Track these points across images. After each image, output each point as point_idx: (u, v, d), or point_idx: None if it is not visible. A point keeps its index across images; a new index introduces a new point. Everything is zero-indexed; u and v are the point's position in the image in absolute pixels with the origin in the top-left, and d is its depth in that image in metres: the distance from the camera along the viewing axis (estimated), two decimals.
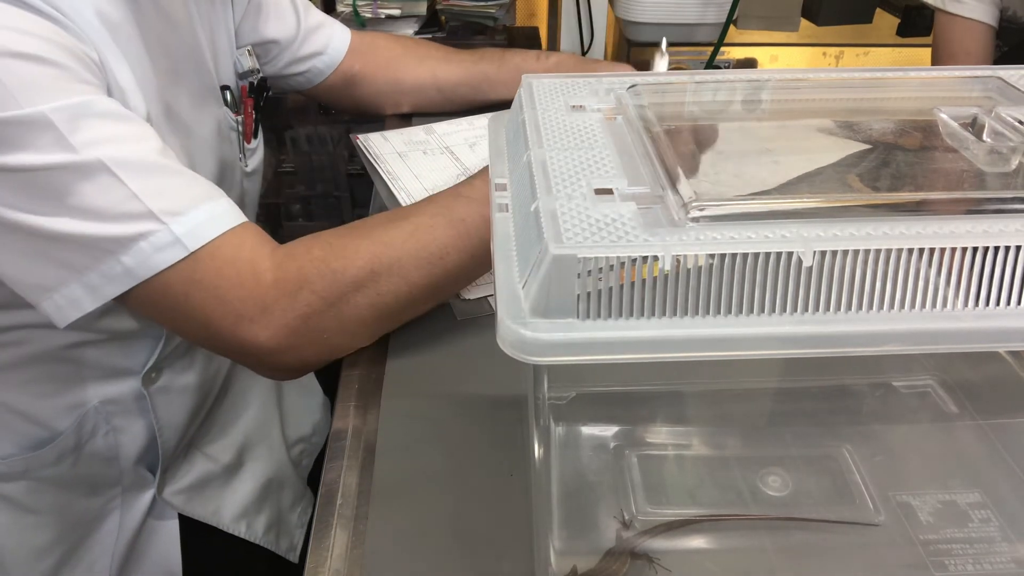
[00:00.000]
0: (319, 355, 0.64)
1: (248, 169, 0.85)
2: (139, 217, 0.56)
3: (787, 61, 1.62)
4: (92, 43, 0.59)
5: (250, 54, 0.85)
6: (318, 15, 0.98)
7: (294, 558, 0.88)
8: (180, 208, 0.58)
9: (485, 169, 0.69)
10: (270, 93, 0.88)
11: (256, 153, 0.86)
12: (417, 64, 1.04)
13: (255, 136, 0.86)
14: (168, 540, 0.79)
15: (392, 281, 0.62)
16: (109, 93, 0.60)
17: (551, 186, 0.39)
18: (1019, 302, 0.35)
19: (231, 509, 0.83)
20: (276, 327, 0.60)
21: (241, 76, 0.84)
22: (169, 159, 0.60)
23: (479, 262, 0.66)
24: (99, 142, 0.55)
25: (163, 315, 0.62)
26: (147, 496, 0.78)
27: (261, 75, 0.86)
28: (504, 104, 1.04)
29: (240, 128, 0.82)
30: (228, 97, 0.81)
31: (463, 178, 0.90)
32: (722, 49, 1.46)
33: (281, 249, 0.62)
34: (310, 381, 1.01)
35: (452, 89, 1.05)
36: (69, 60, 0.56)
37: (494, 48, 1.07)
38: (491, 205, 0.43)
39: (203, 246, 0.58)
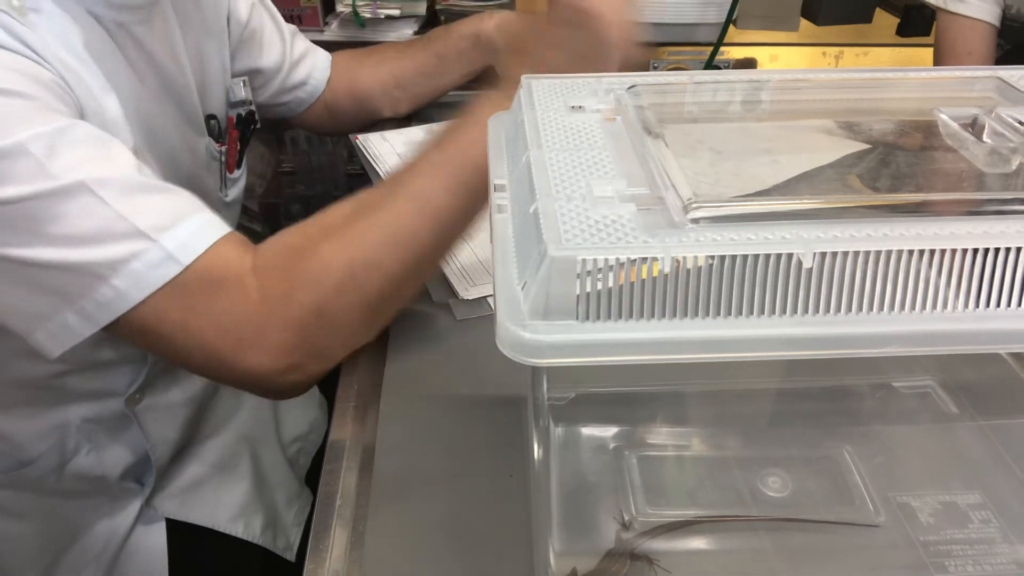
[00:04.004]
0: (320, 365, 0.63)
1: (227, 199, 0.84)
2: (128, 236, 0.55)
3: (787, 61, 1.61)
4: (76, 74, 0.59)
5: (245, 85, 0.85)
6: (302, 44, 0.98)
7: (291, 557, 0.88)
8: (167, 223, 0.57)
9: (440, 132, 0.66)
10: (258, 126, 0.88)
11: (238, 183, 0.86)
12: (376, 70, 1.03)
13: (238, 167, 0.85)
14: (155, 545, 0.79)
15: (372, 277, 0.61)
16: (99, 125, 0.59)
17: (551, 187, 0.39)
18: (1019, 304, 0.35)
19: (227, 510, 0.83)
20: (274, 348, 0.59)
21: (232, 106, 0.84)
22: (147, 176, 0.59)
23: (451, 234, 0.64)
24: (78, 165, 0.54)
25: (160, 343, 0.60)
26: (135, 504, 0.78)
27: (252, 107, 0.86)
28: (465, 83, 1.04)
29: (223, 158, 0.82)
30: (213, 126, 0.80)
31: None
32: (722, 49, 1.45)
33: (259, 258, 0.61)
34: None
35: (412, 82, 1.04)
36: (39, 90, 0.55)
37: (440, 26, 1.04)
38: (490, 206, 0.43)
39: (196, 260, 0.57)
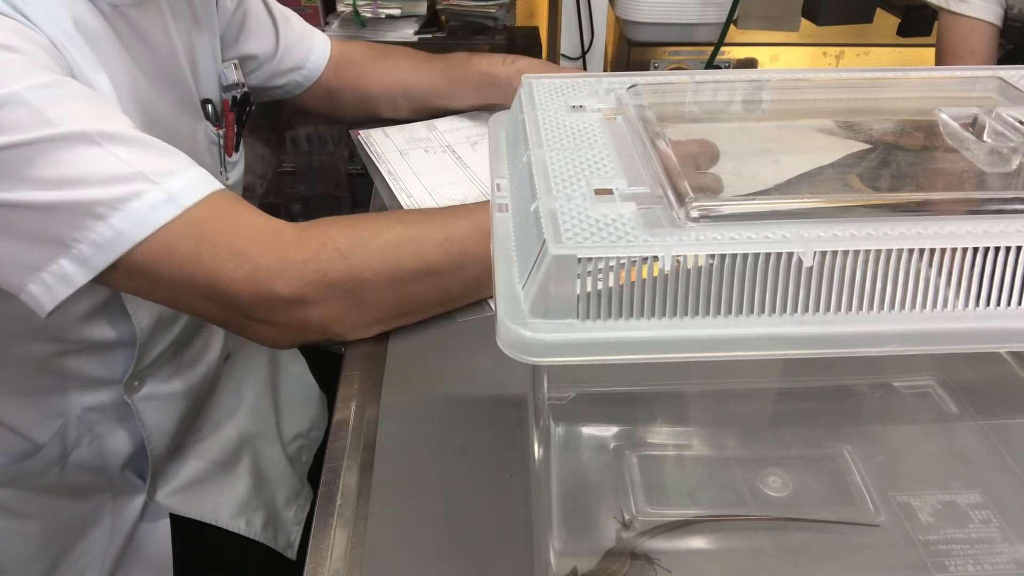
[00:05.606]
0: (325, 320, 0.62)
1: (229, 182, 0.85)
2: (129, 179, 0.55)
3: (787, 61, 1.61)
4: (65, 49, 0.59)
5: (236, 68, 0.86)
6: (299, 27, 0.98)
7: (292, 555, 0.88)
8: (170, 169, 0.57)
9: None
10: (253, 108, 0.88)
11: (237, 166, 0.86)
12: (385, 74, 1.04)
13: (236, 149, 0.86)
14: (160, 542, 0.79)
15: (428, 281, 0.63)
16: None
17: (551, 186, 0.39)
18: (1019, 303, 0.35)
19: (229, 506, 0.83)
20: (294, 277, 0.58)
21: (225, 89, 0.84)
22: (144, 134, 0.59)
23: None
24: (76, 116, 0.55)
25: (162, 284, 0.59)
26: (138, 501, 0.78)
27: (245, 89, 0.86)
28: (471, 109, 1.05)
29: (221, 141, 0.82)
30: (210, 111, 0.81)
31: (465, 179, 0.90)
32: (722, 49, 1.46)
33: (307, 225, 0.62)
34: (305, 375, 1.01)
35: (423, 98, 1.04)
36: (34, 48, 0.56)
37: (461, 53, 1.05)
38: (491, 205, 0.43)
39: (197, 203, 0.57)
